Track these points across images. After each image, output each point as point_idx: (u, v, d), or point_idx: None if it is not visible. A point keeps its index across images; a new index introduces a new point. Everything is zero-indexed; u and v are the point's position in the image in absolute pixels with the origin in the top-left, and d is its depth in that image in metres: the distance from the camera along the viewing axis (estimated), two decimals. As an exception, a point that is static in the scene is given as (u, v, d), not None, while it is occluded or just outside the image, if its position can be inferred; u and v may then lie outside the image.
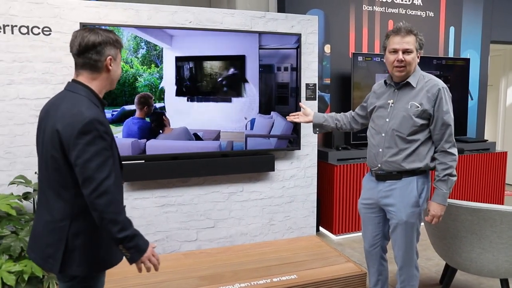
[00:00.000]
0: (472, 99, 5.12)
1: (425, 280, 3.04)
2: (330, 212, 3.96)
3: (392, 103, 2.15)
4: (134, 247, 1.45)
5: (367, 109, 2.35)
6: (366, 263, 2.46)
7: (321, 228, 4.13)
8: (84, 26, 2.75)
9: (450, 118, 2.07)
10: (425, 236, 2.85)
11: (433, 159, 2.14)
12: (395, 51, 2.06)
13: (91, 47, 1.46)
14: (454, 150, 2.08)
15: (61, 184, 1.45)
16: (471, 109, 5.09)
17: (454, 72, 4.60)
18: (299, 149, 3.49)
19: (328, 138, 4.17)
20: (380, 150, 2.17)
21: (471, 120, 5.08)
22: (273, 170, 3.43)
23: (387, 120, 2.15)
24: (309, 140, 3.61)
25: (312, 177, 3.67)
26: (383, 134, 2.16)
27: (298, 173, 3.61)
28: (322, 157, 3.95)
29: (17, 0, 2.72)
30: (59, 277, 1.55)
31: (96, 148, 1.38)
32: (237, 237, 3.47)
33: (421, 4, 4.69)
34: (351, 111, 2.53)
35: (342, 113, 2.53)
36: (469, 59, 4.73)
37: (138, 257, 1.47)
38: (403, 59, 2.03)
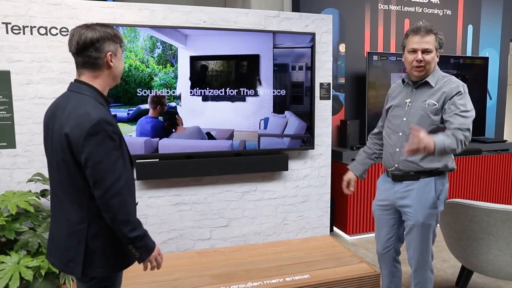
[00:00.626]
0: (490, 98, 5.02)
1: (441, 282, 2.99)
2: (344, 212, 3.93)
3: (409, 102, 2.11)
4: (144, 246, 1.46)
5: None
6: (379, 265, 2.43)
7: (335, 228, 4.10)
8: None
9: (466, 107, 1.93)
10: (441, 237, 2.81)
11: (452, 160, 2.10)
12: (414, 51, 2.02)
13: (89, 44, 1.41)
14: (467, 134, 1.87)
15: (74, 187, 1.43)
16: (490, 109, 4.99)
17: (472, 71, 4.52)
18: (313, 148, 3.48)
19: (342, 138, 4.14)
20: (397, 149, 2.13)
21: (489, 120, 4.98)
22: (287, 169, 3.42)
23: (404, 119, 2.11)
24: (323, 140, 3.59)
25: (326, 177, 3.65)
26: (400, 134, 2.12)
27: (311, 173, 3.60)
28: (336, 156, 3.92)
29: (36, 2, 2.79)
30: (78, 278, 1.54)
31: (106, 149, 1.36)
32: (250, 236, 3.48)
33: (438, 2, 4.61)
34: (376, 130, 2.42)
35: (369, 141, 2.44)
36: (487, 57, 4.64)
37: (147, 256, 1.48)
38: (422, 59, 2.00)
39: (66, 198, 1.45)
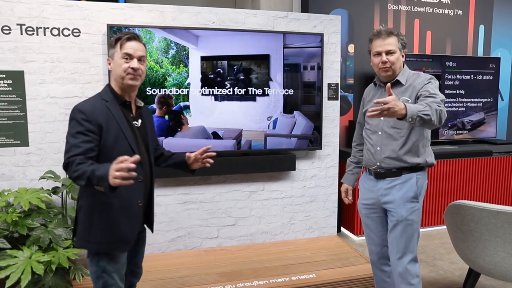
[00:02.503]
0: (502, 99, 4.96)
1: (448, 284, 2.98)
2: (351, 212, 3.93)
3: None
4: (99, 180, 1.46)
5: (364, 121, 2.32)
6: (371, 269, 2.38)
7: (342, 229, 4.11)
8: (111, 28, 2.86)
9: (434, 90, 1.97)
10: (449, 239, 2.80)
11: (431, 155, 2.15)
12: (379, 54, 2.10)
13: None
14: (441, 108, 1.86)
15: None
16: (502, 110, 4.93)
17: (483, 72, 4.48)
18: (320, 148, 3.49)
19: (350, 138, 4.13)
20: (378, 148, 2.16)
21: (501, 121, 4.92)
22: (294, 169, 3.44)
23: (382, 118, 2.10)
24: (331, 140, 3.60)
25: (333, 177, 3.66)
26: (379, 133, 2.15)
27: (319, 173, 3.61)
28: (344, 157, 3.91)
29: (49, 4, 2.85)
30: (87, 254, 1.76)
31: (72, 131, 1.61)
32: (257, 235, 3.51)
33: (449, 2, 4.58)
34: (357, 141, 2.49)
35: (353, 151, 2.51)
36: (499, 58, 4.59)
37: (106, 183, 1.44)
38: (386, 60, 2.07)
39: None
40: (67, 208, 2.75)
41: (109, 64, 1.73)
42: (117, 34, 1.72)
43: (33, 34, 2.84)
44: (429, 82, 2.05)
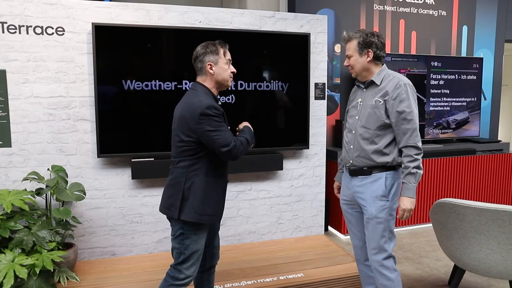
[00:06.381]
0: (485, 99, 5.05)
1: (434, 281, 3.02)
2: (339, 211, 3.95)
3: (360, 102, 2.25)
4: (252, 139, 2.00)
5: None
6: (356, 266, 2.42)
7: (329, 228, 4.13)
8: (96, 26, 2.83)
9: (408, 109, 2.08)
10: (434, 237, 2.83)
11: (400, 153, 2.19)
12: None
13: (195, 57, 1.96)
14: (419, 145, 2.10)
15: (182, 155, 1.92)
16: (484, 109, 5.02)
17: (466, 72, 4.55)
18: (308, 148, 3.50)
19: (337, 138, 4.17)
20: (352, 146, 2.25)
21: (484, 121, 5.01)
22: (282, 169, 3.45)
23: (357, 117, 2.24)
24: (318, 140, 3.62)
25: (320, 176, 3.67)
26: (353, 132, 2.25)
27: (306, 172, 3.62)
28: (331, 156, 3.95)
29: (32, 1, 2.80)
30: (172, 222, 1.97)
31: (216, 126, 1.85)
32: (245, 235, 3.50)
33: (433, 3, 4.64)
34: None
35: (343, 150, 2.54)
36: (482, 58, 4.67)
37: (251, 136, 2.02)
38: (347, 63, 2.25)
39: (176, 161, 1.95)
40: (52, 210, 2.70)
41: (211, 68, 1.93)
42: (214, 43, 1.95)
43: (15, 32, 2.78)
44: (402, 101, 2.09)
